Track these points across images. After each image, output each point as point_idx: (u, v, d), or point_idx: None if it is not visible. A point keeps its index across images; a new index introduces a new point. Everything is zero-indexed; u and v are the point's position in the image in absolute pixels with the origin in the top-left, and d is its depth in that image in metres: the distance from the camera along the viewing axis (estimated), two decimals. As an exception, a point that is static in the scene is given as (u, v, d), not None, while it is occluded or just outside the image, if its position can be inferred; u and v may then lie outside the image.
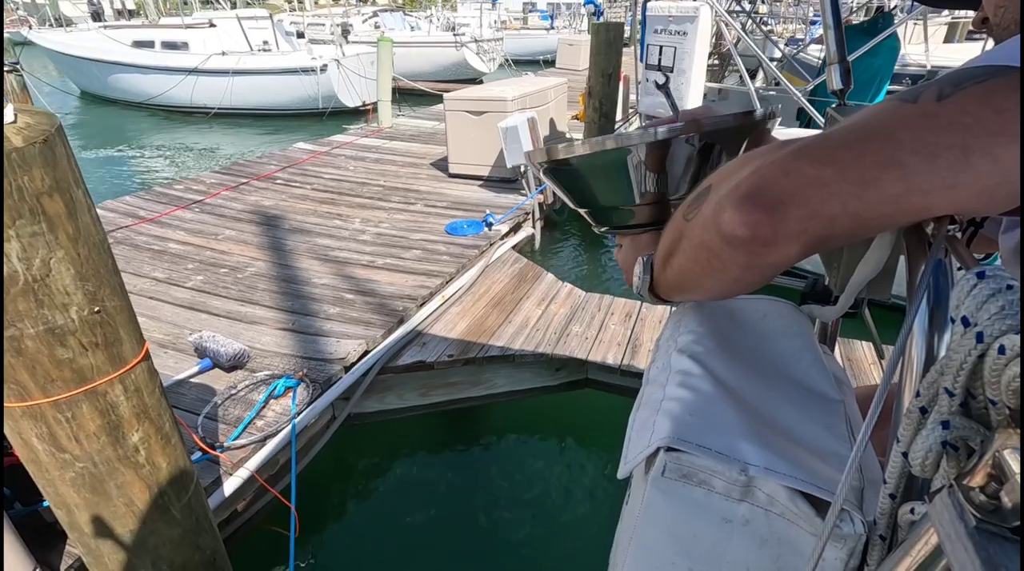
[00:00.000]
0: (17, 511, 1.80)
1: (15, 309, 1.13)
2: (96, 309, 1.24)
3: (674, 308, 0.73)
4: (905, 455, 0.34)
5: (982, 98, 0.34)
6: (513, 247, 4.29)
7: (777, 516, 0.46)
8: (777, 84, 4.65)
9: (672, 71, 4.04)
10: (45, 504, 1.80)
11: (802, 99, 3.77)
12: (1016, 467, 0.25)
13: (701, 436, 0.48)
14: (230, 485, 2.15)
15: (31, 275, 1.12)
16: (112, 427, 1.34)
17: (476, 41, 14.59)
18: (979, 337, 0.28)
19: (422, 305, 3.31)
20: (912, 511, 0.37)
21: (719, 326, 0.65)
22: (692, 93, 4.11)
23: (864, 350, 2.94)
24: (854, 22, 5.20)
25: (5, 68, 9.67)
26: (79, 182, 1.19)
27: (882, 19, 4.49)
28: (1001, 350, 0.27)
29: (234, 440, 2.26)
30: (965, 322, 0.30)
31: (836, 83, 0.88)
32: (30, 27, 16.16)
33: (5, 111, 1.14)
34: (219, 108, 11.13)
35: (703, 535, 0.48)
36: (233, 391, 2.56)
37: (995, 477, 0.27)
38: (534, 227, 4.81)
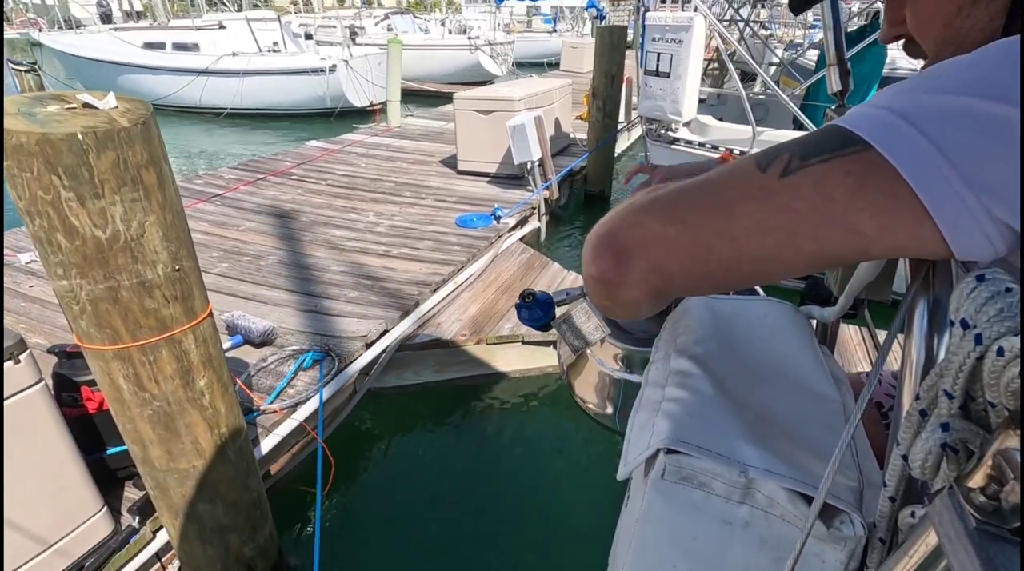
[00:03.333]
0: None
1: (116, 263, 1.35)
2: (176, 267, 1.46)
3: (674, 309, 0.75)
4: (905, 458, 0.34)
5: (818, 182, 0.35)
6: (520, 239, 4.51)
7: (777, 518, 0.46)
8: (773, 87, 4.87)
9: (668, 77, 4.27)
10: (109, 452, 2.02)
11: (794, 107, 4.01)
12: (1016, 468, 0.25)
13: (700, 437, 0.49)
14: (266, 444, 2.36)
15: (130, 234, 1.34)
16: (184, 371, 1.56)
17: (490, 44, 14.83)
18: (978, 339, 0.28)
19: (436, 290, 3.52)
20: (912, 514, 0.36)
21: (718, 327, 0.66)
22: (687, 98, 4.34)
23: (849, 332, 3.14)
24: (850, 29, 5.44)
25: (24, 68, 9.90)
26: (166, 158, 1.41)
27: (870, 27, 4.72)
28: (1000, 352, 0.27)
29: (270, 404, 2.48)
30: (964, 325, 0.29)
31: (835, 85, 0.91)
32: (40, 29, 16.37)
33: (108, 97, 1.36)
34: (230, 108, 11.37)
35: (703, 537, 0.48)
36: (264, 364, 2.77)
37: (995, 478, 0.27)
38: (540, 221, 5.03)
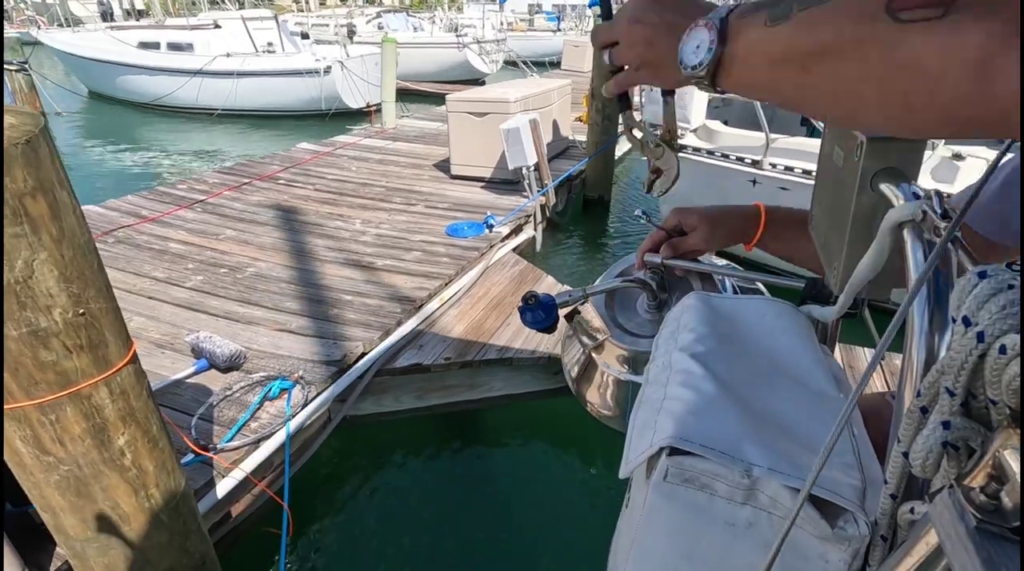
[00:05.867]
0: (6, 511, 1.79)
1: (-3, 311, 1.12)
2: (81, 311, 1.23)
3: (673, 307, 0.72)
4: (906, 455, 0.34)
5: None
6: (514, 249, 4.27)
7: (780, 519, 0.45)
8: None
9: None
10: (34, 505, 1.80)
11: None
12: (1017, 467, 0.25)
13: (703, 436, 0.48)
14: (223, 487, 2.14)
15: (13, 277, 1.11)
16: (97, 430, 1.33)
17: (478, 42, 14.60)
18: (980, 337, 0.28)
19: (420, 307, 3.30)
20: (912, 510, 0.37)
21: (718, 325, 0.65)
22: (696, 102, 4.09)
23: (866, 356, 2.89)
24: None
25: (13, 68, 9.71)
26: (64, 183, 1.18)
27: None
28: (1002, 350, 0.27)
29: (227, 442, 2.25)
30: (966, 322, 0.29)
31: None
32: (39, 27, 16.26)
33: (-11, 111, 1.13)
34: (224, 109, 11.15)
35: (706, 539, 0.48)
36: (228, 392, 2.55)
37: (996, 477, 0.27)
38: (535, 229, 4.80)
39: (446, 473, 2.90)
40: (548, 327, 0.84)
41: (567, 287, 3.84)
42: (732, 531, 0.47)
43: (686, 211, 0.81)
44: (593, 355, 0.85)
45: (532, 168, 4.75)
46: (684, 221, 0.80)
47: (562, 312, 0.85)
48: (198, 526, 1.71)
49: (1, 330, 1.13)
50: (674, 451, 0.47)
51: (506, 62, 15.13)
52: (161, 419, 1.53)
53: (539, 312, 0.82)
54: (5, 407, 1.22)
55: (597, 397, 0.86)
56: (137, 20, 18.26)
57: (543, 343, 3.00)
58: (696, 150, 4.29)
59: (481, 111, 5.05)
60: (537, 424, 3.18)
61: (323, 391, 2.63)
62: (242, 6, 15.76)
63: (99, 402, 1.31)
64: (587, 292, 0.85)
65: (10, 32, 18.53)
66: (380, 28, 15.59)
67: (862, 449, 0.52)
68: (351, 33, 12.50)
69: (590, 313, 0.87)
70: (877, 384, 2.80)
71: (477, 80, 13.65)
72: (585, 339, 0.86)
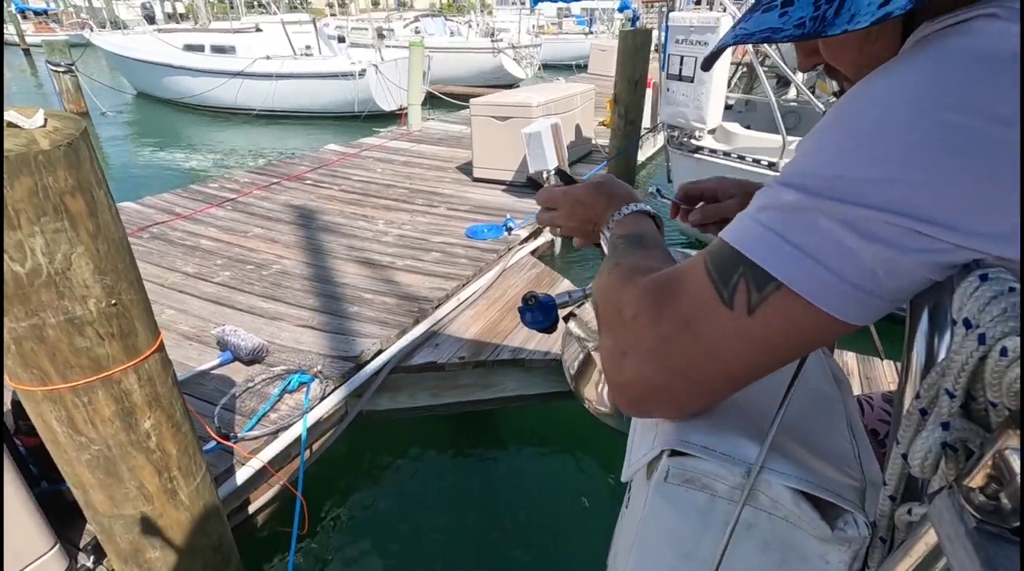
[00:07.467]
0: (43, 489, 1.91)
1: (38, 299, 1.21)
2: (113, 302, 1.32)
3: None
4: (905, 456, 0.34)
5: (785, 316, 0.39)
6: (532, 252, 4.31)
7: (780, 519, 0.46)
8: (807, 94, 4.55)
9: (692, 82, 4.01)
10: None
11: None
12: (1016, 468, 0.25)
13: (705, 437, 0.48)
14: (242, 475, 2.23)
15: (53, 268, 1.21)
16: (126, 413, 1.42)
17: (513, 47, 14.69)
18: (981, 339, 0.28)
19: (437, 307, 3.36)
20: (909, 511, 0.36)
21: None
22: (712, 104, 4.07)
23: (883, 367, 2.85)
24: None
25: (61, 69, 10.15)
26: (101, 183, 1.28)
27: None
28: (1003, 352, 0.27)
29: (248, 431, 2.35)
30: (967, 324, 0.29)
31: (834, 85, 0.91)
32: (91, 30, 17.00)
33: (36, 115, 1.23)
34: (262, 110, 11.49)
35: (706, 540, 0.48)
36: (250, 384, 2.65)
37: (995, 478, 0.27)
38: (554, 233, 4.82)
39: (457, 470, 2.96)
40: (548, 327, 0.84)
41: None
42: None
43: (725, 179, 0.84)
44: (592, 354, 0.86)
45: (553, 172, 4.78)
46: (721, 189, 0.82)
47: (562, 312, 0.86)
48: (217, 509, 1.80)
49: (1, 324, 1.21)
50: (675, 452, 0.48)
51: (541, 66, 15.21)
52: (184, 406, 1.62)
53: (538, 312, 0.83)
54: (44, 388, 1.31)
55: (595, 395, 0.87)
56: (178, 23, 18.92)
57: (556, 346, 3.03)
58: (712, 151, 4.27)
59: (504, 115, 5.11)
60: (548, 426, 3.22)
61: (340, 386, 2.72)
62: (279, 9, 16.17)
63: (128, 387, 1.40)
64: (587, 291, 0.85)
65: (59, 35, 19.45)
66: (417, 32, 15.81)
67: (862, 449, 0.52)
68: (381, 35, 12.71)
69: (589, 312, 0.88)
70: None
71: (512, 85, 13.75)
72: (584, 339, 0.87)
